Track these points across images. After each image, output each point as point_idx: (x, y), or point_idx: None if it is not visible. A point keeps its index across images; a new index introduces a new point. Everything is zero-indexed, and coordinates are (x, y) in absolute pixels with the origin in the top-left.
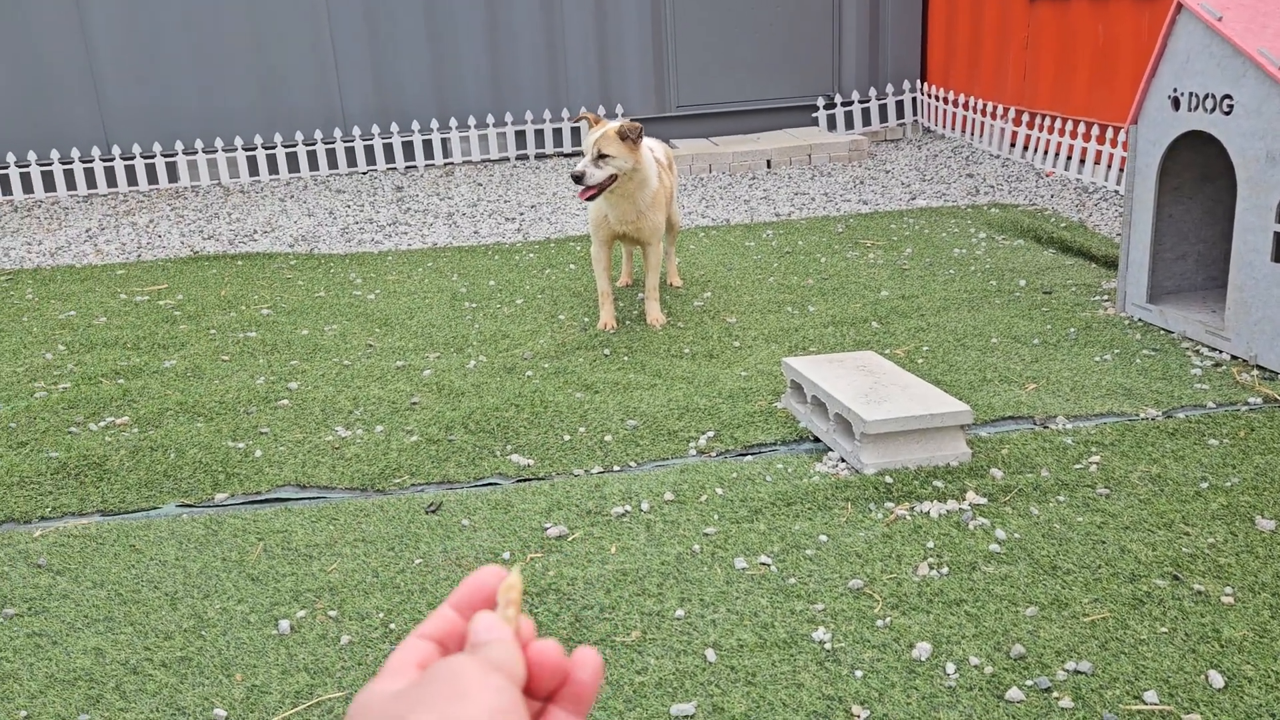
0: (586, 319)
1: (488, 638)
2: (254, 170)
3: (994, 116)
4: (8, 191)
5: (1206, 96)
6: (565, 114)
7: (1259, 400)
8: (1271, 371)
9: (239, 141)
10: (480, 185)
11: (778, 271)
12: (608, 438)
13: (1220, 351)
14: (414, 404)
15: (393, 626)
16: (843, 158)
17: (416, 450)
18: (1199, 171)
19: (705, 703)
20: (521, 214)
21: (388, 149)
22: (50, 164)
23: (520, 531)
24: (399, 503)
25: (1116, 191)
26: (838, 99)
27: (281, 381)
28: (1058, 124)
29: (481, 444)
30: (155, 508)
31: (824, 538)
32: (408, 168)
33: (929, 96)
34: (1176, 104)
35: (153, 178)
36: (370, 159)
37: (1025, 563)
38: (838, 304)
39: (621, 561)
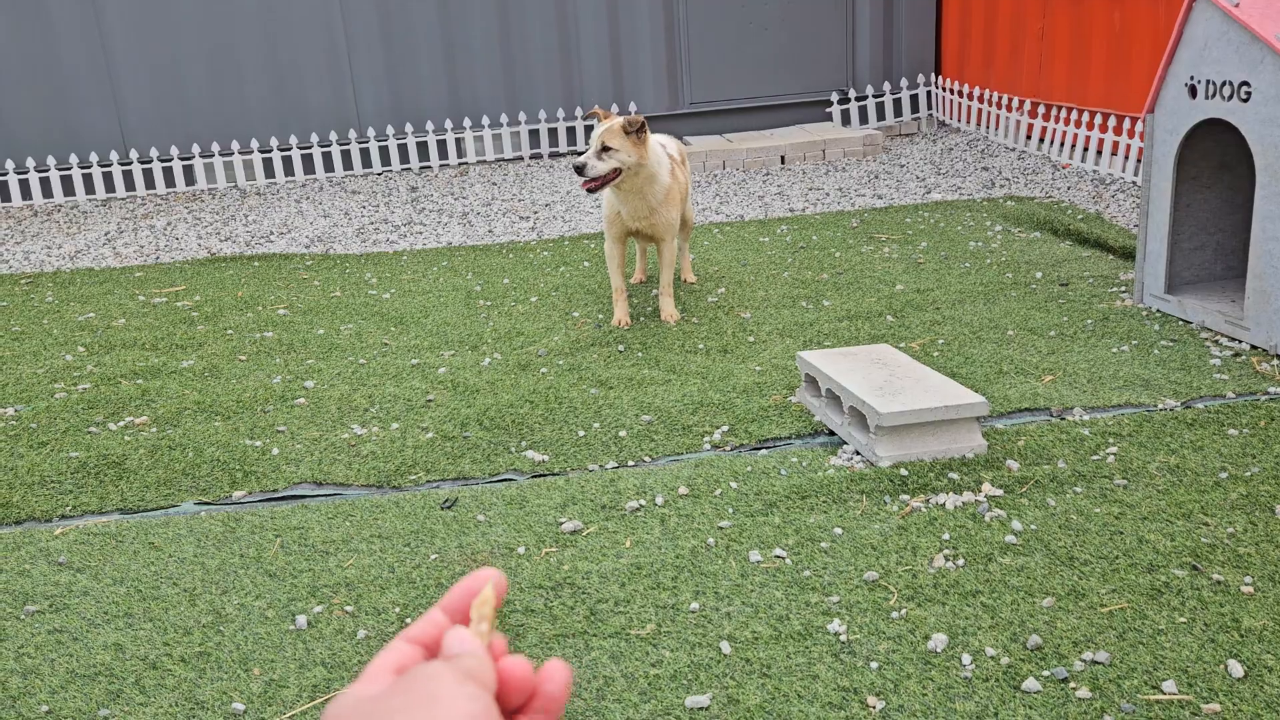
0: (601, 316)
1: (460, 650)
2: (270, 172)
3: (1009, 109)
4: (28, 196)
5: (1224, 84)
6: (579, 112)
7: (1279, 389)
8: None
9: (255, 144)
10: (494, 184)
11: (792, 266)
12: (622, 433)
13: (1240, 341)
14: (429, 401)
15: (408, 621)
16: (857, 152)
17: (432, 447)
18: (1217, 160)
19: (720, 695)
20: (536, 212)
21: (402, 150)
22: (69, 168)
23: (535, 526)
24: (414, 499)
25: (1134, 182)
26: (852, 94)
27: (298, 380)
28: (1074, 115)
29: (496, 440)
30: (174, 506)
31: (839, 530)
32: (422, 168)
33: (944, 90)
34: (1194, 92)
35: (170, 181)
36: (385, 160)
37: (1042, 554)
38: (852, 298)
39: (636, 555)
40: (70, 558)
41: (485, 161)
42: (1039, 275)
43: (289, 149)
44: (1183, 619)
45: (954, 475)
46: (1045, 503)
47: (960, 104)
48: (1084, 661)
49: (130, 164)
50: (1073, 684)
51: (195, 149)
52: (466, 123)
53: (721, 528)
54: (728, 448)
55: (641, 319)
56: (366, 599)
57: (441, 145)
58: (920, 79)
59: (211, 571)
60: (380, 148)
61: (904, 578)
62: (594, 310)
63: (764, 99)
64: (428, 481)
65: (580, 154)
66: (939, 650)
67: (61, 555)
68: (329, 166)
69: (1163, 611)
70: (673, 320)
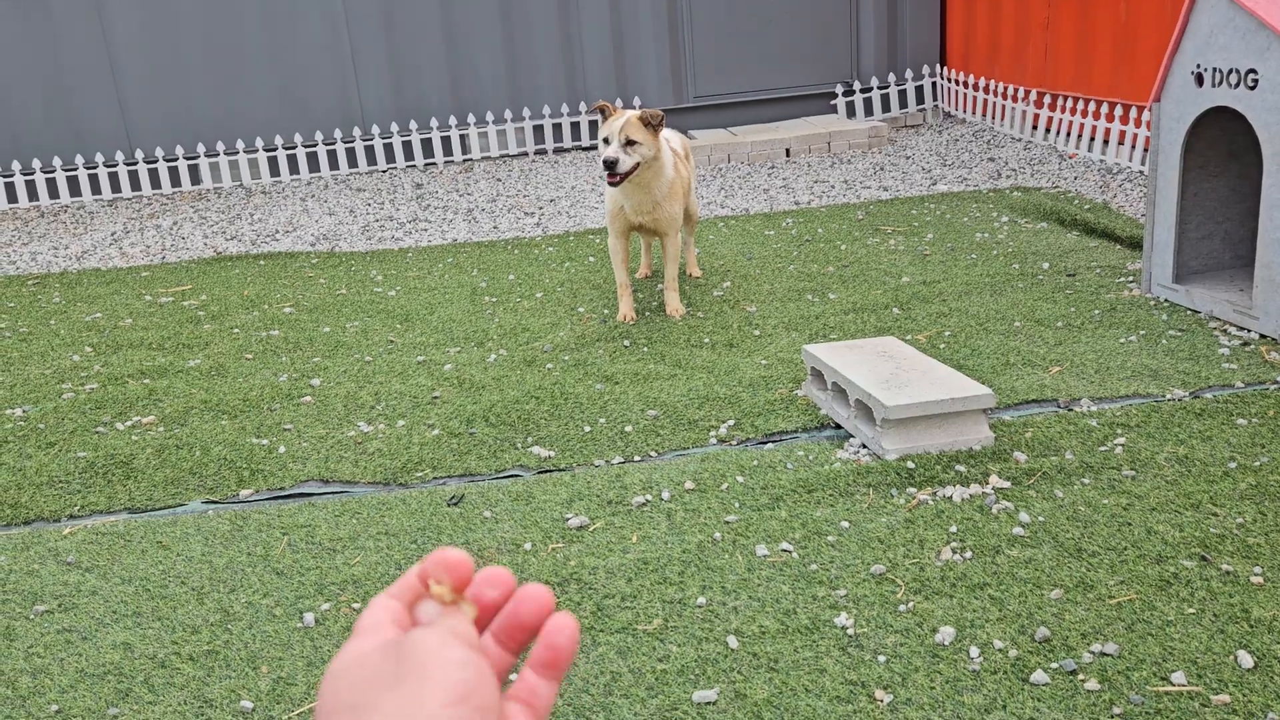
0: (606, 311)
1: (432, 616)
2: (275, 171)
3: (1015, 99)
4: (34, 197)
5: (1230, 71)
6: (583, 107)
7: None
8: None
9: (260, 142)
10: (499, 180)
11: (798, 260)
12: (628, 428)
13: (1249, 331)
14: (435, 398)
15: None
16: (862, 145)
17: (438, 444)
18: (1225, 148)
19: (728, 689)
20: (540, 208)
21: (407, 147)
22: (75, 169)
23: (542, 522)
24: (421, 496)
25: (1141, 172)
26: (856, 86)
27: (304, 378)
28: (1080, 105)
29: (503, 436)
30: (181, 505)
31: (846, 524)
32: (427, 165)
33: (949, 81)
34: (1200, 80)
35: (175, 180)
36: (390, 157)
37: (1050, 545)
38: (858, 291)
39: (643, 550)
40: (79, 557)
41: (489, 158)
42: (1046, 266)
43: (294, 147)
44: (1192, 610)
45: (961, 468)
46: (1053, 494)
47: (965, 95)
48: (1093, 653)
49: (136, 164)
50: (1081, 676)
51: (200, 148)
52: (470, 119)
53: (728, 522)
54: (734, 442)
55: (647, 314)
56: (374, 596)
57: (446, 142)
58: (925, 70)
59: (219, 570)
60: (385, 145)
61: (911, 571)
62: (599, 306)
63: (768, 92)
64: (434, 478)
65: (586, 150)
66: (946, 643)
67: (70, 555)
68: (334, 164)
69: (1172, 603)
70: (678, 315)
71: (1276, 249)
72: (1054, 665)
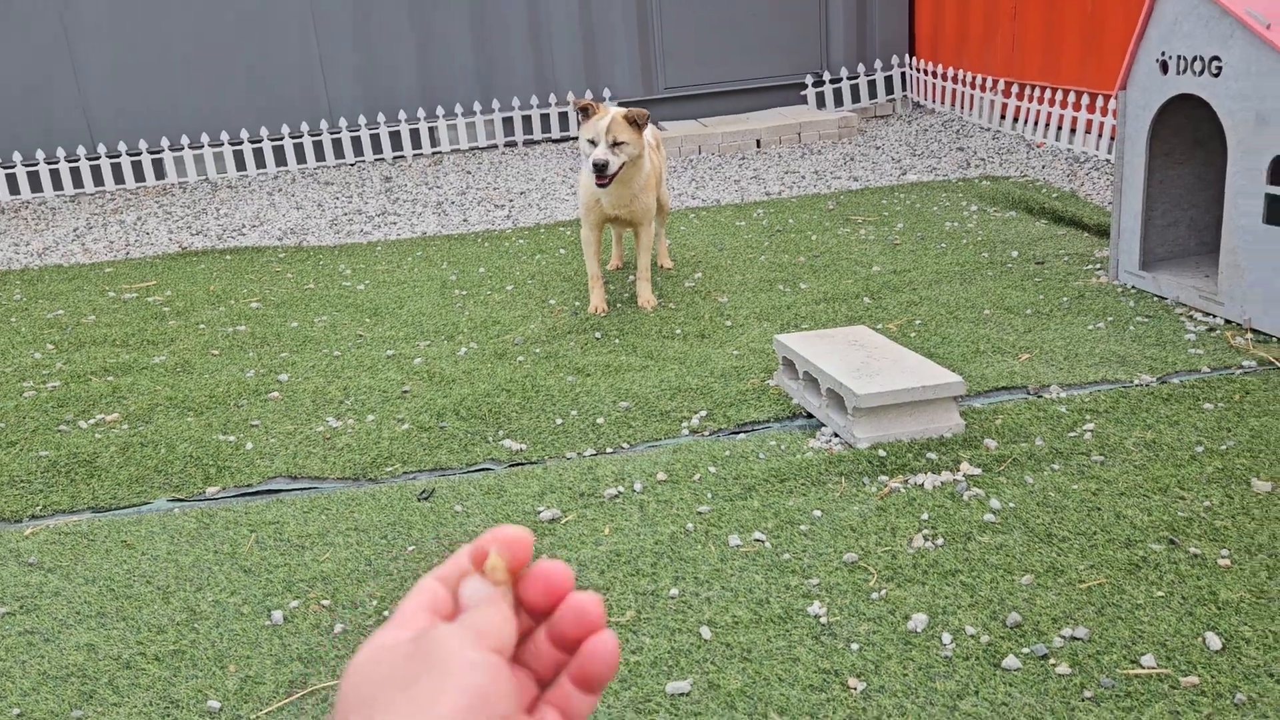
0: (577, 303)
1: (473, 600)
2: (241, 165)
3: (983, 89)
4: None
5: (1195, 59)
6: (553, 99)
7: (1253, 363)
8: (1266, 334)
9: (225, 136)
10: (469, 173)
11: (769, 250)
12: (600, 420)
13: (1214, 316)
14: (405, 392)
15: (386, 614)
16: (833, 135)
17: (408, 438)
18: (1190, 136)
19: (701, 680)
20: (511, 200)
21: (375, 140)
22: (36, 164)
23: (513, 516)
24: (391, 491)
25: (1108, 160)
26: (826, 76)
27: (271, 374)
28: (1048, 94)
29: (473, 430)
30: (146, 503)
31: (818, 513)
32: (396, 158)
33: (918, 71)
34: (1165, 67)
35: (139, 175)
36: (358, 150)
37: (1020, 531)
38: (829, 281)
39: (615, 542)
40: (41, 558)
41: (459, 150)
42: (1015, 254)
43: (260, 140)
44: (1160, 593)
45: (932, 455)
46: (1023, 480)
47: (935, 85)
48: (1063, 638)
49: (99, 159)
50: (1052, 660)
51: (165, 142)
52: (440, 111)
53: (700, 513)
54: (706, 432)
55: (618, 305)
56: (343, 592)
57: (415, 134)
58: (894, 60)
59: (185, 569)
60: (353, 138)
61: (883, 558)
62: (570, 298)
63: (739, 83)
64: (404, 473)
65: (557, 142)
66: (919, 630)
67: (32, 556)
68: (301, 158)
69: (1141, 586)
70: (650, 306)
71: (1240, 235)
72: (1025, 650)
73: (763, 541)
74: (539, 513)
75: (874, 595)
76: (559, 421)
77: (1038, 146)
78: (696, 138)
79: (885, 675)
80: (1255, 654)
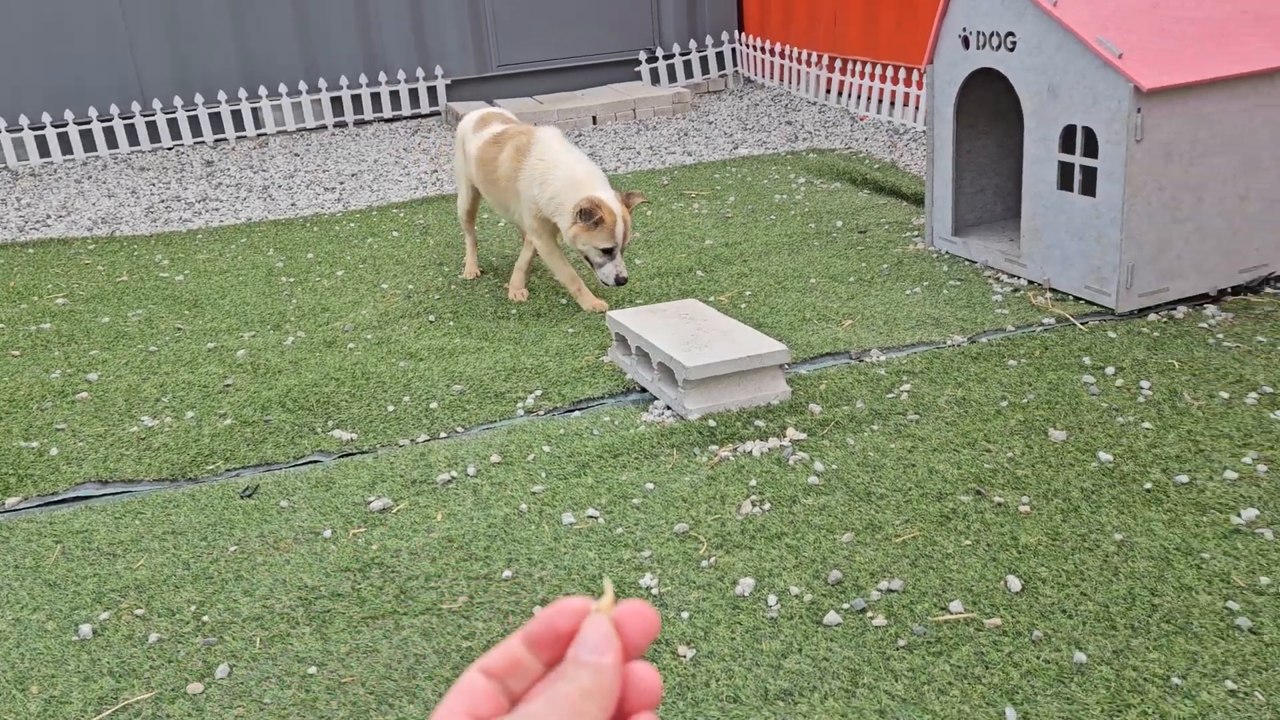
0: (410, 286)
1: (591, 654)
2: (45, 151)
3: (809, 64)
4: None
5: (993, 34)
6: (382, 78)
7: (1052, 320)
8: (1063, 293)
9: (24, 120)
10: (297, 155)
11: None
12: (433, 405)
13: (1018, 278)
14: (227, 386)
15: (205, 619)
16: (667, 111)
17: (230, 434)
18: (991, 108)
19: None
20: (341, 183)
21: (194, 122)
22: None
23: (342, 508)
24: (212, 490)
25: (924, 132)
26: (659, 53)
27: (79, 373)
28: (869, 69)
29: (301, 422)
30: None
31: (650, 485)
32: (217, 141)
33: (747, 47)
34: (966, 43)
35: None
36: (175, 133)
37: (842, 492)
38: (663, 255)
39: (448, 528)
40: None
41: (286, 132)
42: (839, 224)
43: (64, 125)
44: (968, 542)
45: (760, 423)
46: (845, 442)
47: (764, 60)
48: (880, 591)
49: None
50: (870, 613)
51: None
52: (262, 91)
53: (534, 493)
54: (541, 412)
55: (452, 287)
56: (159, 600)
57: (237, 116)
58: (725, 36)
59: None
60: (169, 120)
61: (713, 527)
62: (404, 281)
63: (574, 59)
64: (227, 470)
65: (389, 122)
66: (746, 594)
67: None
68: (112, 143)
69: (950, 536)
70: (521, 298)
71: (1037, 201)
72: (845, 606)
73: (596, 518)
74: (369, 503)
75: (704, 563)
76: (391, 408)
77: (860, 120)
78: (532, 115)
79: (714, 641)
80: (1050, 592)
